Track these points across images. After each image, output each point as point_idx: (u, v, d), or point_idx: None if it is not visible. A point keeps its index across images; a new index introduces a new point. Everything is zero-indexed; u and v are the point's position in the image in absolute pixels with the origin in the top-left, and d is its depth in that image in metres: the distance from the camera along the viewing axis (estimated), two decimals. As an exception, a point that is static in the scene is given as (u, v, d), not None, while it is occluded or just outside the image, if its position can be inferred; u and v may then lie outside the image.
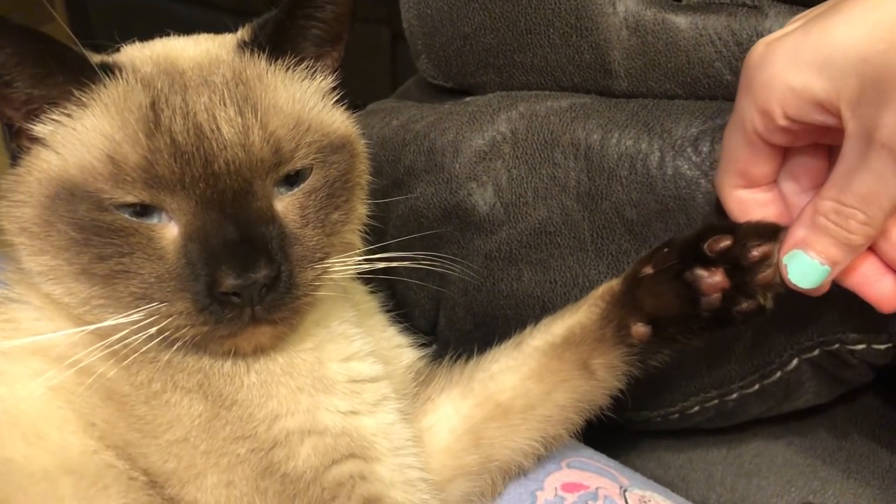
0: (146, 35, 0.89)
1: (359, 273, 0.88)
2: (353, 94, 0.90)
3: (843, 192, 0.73)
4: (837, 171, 0.73)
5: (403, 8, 1.19)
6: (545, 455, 0.97)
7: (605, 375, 0.93)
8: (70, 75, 0.77)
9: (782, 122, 0.75)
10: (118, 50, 0.86)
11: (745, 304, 0.84)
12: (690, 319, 0.88)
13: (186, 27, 0.92)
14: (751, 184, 0.84)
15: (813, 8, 0.76)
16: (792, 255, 0.79)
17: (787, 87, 0.72)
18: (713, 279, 0.84)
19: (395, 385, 0.91)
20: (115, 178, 0.75)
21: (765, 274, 0.82)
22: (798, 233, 0.78)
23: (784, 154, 0.83)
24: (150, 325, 0.75)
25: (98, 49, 0.83)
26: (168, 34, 0.90)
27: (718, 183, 0.87)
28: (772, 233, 0.82)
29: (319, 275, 0.81)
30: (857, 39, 0.66)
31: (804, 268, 0.79)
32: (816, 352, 0.96)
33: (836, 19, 0.68)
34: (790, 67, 0.71)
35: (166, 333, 0.76)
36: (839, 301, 0.90)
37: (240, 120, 0.77)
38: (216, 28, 0.93)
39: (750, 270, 0.83)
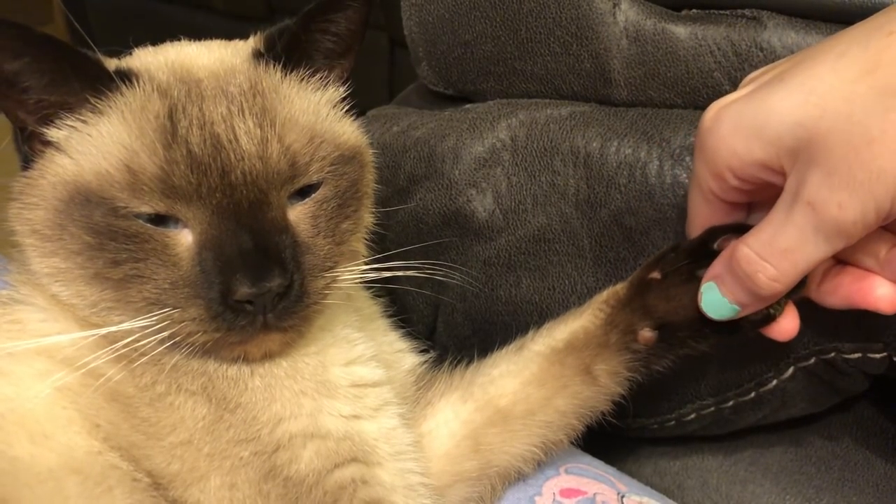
0: (144, 37, 0.90)
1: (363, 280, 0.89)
2: (350, 100, 0.90)
3: (762, 244, 0.76)
4: (764, 222, 0.76)
5: (405, 15, 1.19)
6: (545, 460, 0.97)
7: (608, 381, 0.93)
8: (86, 83, 0.77)
9: (734, 182, 0.78)
10: (130, 54, 0.86)
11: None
12: (703, 323, 0.88)
13: (184, 30, 0.93)
14: None
15: (764, 70, 0.80)
16: (708, 287, 0.83)
17: (732, 151, 0.76)
18: None
19: (396, 390, 0.91)
20: (131, 187, 0.75)
21: None
22: (717, 268, 0.82)
23: (748, 207, 0.86)
24: (162, 330, 0.76)
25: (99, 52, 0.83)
26: (169, 38, 0.90)
27: (688, 235, 0.91)
28: None
29: (329, 283, 0.82)
30: (794, 105, 0.70)
31: (715, 301, 0.83)
32: (812, 360, 0.97)
33: (777, 87, 0.72)
34: (735, 132, 0.75)
35: (177, 339, 0.77)
36: (836, 310, 0.91)
37: (258, 132, 0.78)
38: (214, 31, 0.94)
39: None
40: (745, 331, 0.87)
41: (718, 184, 0.80)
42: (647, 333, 0.91)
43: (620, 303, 0.93)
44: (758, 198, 0.82)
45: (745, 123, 0.74)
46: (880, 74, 0.66)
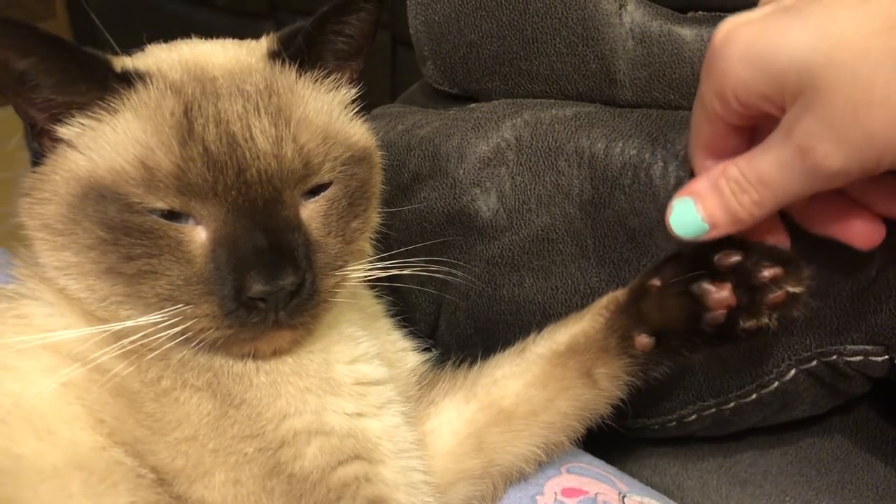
0: (144, 33, 0.90)
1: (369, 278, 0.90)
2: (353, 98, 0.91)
3: (752, 170, 0.77)
4: (758, 150, 0.77)
5: (410, 14, 1.20)
6: (546, 461, 0.97)
7: (608, 385, 0.94)
8: (93, 84, 0.77)
9: (737, 107, 0.77)
10: (142, 51, 0.86)
11: (748, 323, 0.85)
12: (693, 334, 0.88)
13: (185, 26, 0.93)
14: (717, 156, 0.85)
15: None
16: (682, 201, 0.83)
17: (738, 78, 0.75)
18: (720, 294, 0.84)
19: (399, 388, 0.92)
20: (146, 184, 0.76)
21: (775, 295, 0.83)
22: (699, 185, 0.82)
23: (752, 131, 0.84)
24: (174, 325, 0.76)
25: (101, 49, 0.83)
26: (170, 34, 0.90)
27: (690, 153, 0.89)
28: (785, 260, 0.84)
29: (339, 281, 0.83)
30: (806, 48, 0.69)
31: (686, 217, 0.82)
32: (814, 363, 0.97)
33: (794, 21, 0.70)
34: (743, 60, 0.74)
35: (188, 334, 0.77)
36: (838, 313, 0.91)
37: (273, 131, 0.78)
38: (215, 27, 0.94)
39: (759, 290, 0.83)
40: (739, 341, 0.87)
41: (722, 106, 0.79)
42: (644, 339, 0.91)
43: (619, 308, 0.94)
44: (761, 122, 0.81)
45: (754, 54, 0.73)
46: None
